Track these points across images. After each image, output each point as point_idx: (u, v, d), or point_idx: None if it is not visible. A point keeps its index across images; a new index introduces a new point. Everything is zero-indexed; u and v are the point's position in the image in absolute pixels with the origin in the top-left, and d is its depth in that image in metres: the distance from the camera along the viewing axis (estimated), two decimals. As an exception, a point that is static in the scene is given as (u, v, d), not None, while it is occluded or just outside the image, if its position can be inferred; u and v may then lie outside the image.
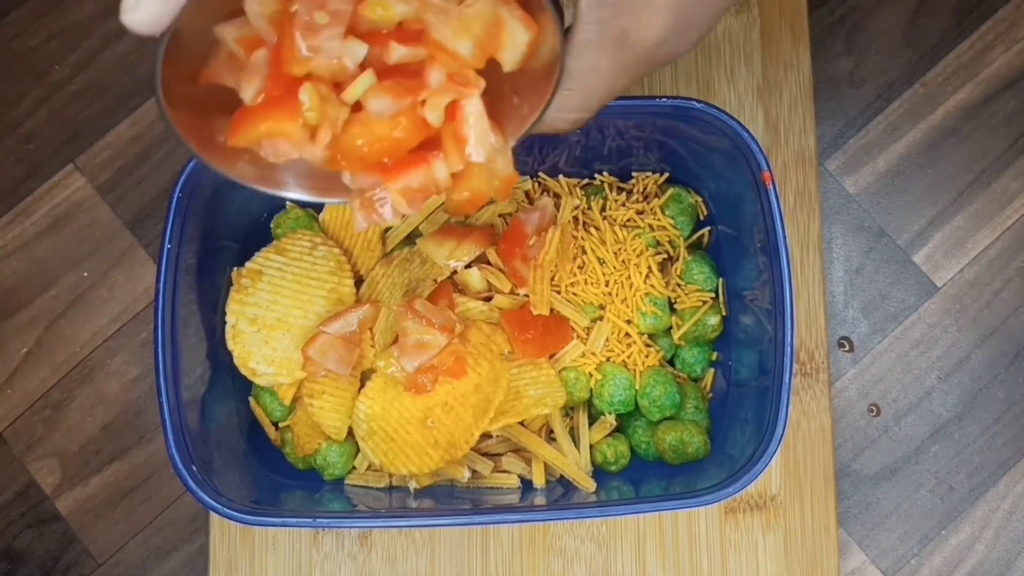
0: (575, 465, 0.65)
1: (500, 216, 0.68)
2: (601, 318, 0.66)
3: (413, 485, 0.64)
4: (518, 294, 0.66)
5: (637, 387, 0.65)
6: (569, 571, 0.68)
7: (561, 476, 0.65)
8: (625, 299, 0.65)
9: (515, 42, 0.38)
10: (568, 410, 0.67)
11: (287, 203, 0.68)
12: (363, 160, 0.41)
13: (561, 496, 0.63)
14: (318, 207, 0.68)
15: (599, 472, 0.66)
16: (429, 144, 0.42)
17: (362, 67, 0.38)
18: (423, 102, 0.40)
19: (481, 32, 0.38)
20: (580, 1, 0.36)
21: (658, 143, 0.64)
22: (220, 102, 0.40)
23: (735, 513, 0.68)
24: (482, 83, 0.39)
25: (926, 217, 0.74)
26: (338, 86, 0.39)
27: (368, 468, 0.66)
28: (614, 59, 0.37)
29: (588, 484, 0.64)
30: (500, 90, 0.41)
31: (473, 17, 0.37)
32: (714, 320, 0.66)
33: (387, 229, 0.68)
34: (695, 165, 0.66)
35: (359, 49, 0.37)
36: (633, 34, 0.36)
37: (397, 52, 0.38)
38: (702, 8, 0.36)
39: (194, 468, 0.57)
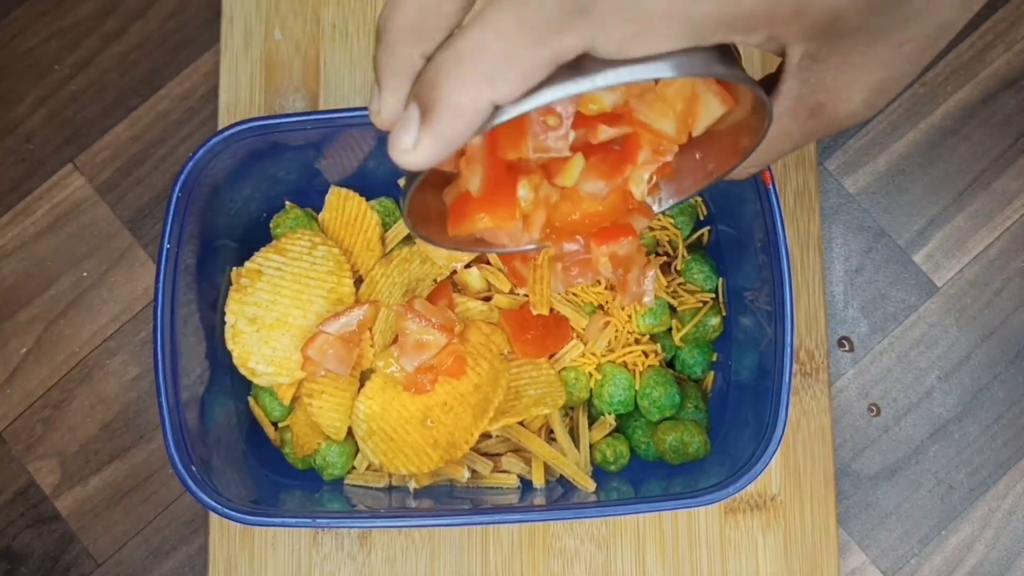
0: (575, 465, 0.65)
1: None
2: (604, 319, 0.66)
3: (412, 485, 0.64)
4: (518, 294, 0.65)
5: (637, 388, 0.65)
6: (569, 571, 0.68)
7: (561, 476, 0.65)
8: (625, 299, 0.65)
9: (710, 115, 0.40)
10: (568, 410, 0.67)
11: (286, 203, 0.68)
12: (572, 233, 0.44)
13: (561, 496, 0.63)
14: (318, 207, 0.68)
15: (599, 472, 0.66)
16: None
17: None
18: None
19: (683, 109, 0.39)
20: (783, 80, 0.37)
21: (658, 143, 0.64)
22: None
23: (735, 513, 0.68)
24: (675, 148, 0.41)
25: (926, 217, 0.73)
26: (545, 166, 0.40)
27: (367, 468, 0.66)
28: (804, 126, 0.38)
29: (588, 484, 0.64)
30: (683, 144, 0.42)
31: (675, 97, 0.38)
32: (714, 321, 0.66)
33: (387, 228, 0.68)
34: (695, 165, 0.66)
35: (571, 136, 0.38)
36: (828, 108, 0.37)
37: (605, 133, 0.39)
38: (897, 84, 0.37)
39: (193, 468, 0.57)
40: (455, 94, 0.30)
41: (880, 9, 0.35)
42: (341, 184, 0.67)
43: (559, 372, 0.65)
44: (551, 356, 0.65)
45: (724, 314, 0.66)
